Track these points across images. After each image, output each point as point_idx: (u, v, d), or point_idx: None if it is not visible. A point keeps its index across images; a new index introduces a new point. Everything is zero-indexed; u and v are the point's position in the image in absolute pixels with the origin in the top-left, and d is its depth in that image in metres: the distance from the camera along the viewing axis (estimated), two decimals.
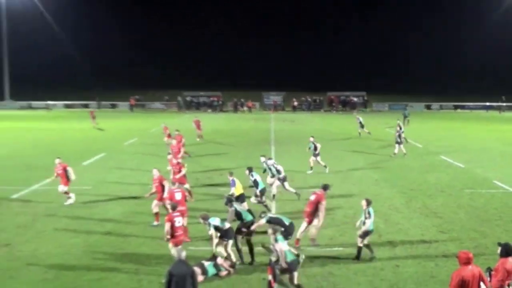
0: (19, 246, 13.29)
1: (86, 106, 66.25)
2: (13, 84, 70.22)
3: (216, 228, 11.60)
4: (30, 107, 66.62)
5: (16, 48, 74.82)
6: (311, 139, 23.83)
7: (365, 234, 12.65)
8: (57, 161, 17.71)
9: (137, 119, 52.70)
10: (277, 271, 9.74)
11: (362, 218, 12.71)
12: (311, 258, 12.51)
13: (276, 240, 10.34)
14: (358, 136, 36.53)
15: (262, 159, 18.85)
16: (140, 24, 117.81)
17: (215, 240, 11.86)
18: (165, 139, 30.01)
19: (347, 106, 66.24)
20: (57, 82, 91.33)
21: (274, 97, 67.56)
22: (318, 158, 23.41)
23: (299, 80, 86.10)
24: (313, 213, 13.30)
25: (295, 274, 9.95)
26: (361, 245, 12.68)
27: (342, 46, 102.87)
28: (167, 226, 11.53)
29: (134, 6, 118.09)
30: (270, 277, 9.81)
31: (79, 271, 11.64)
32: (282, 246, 10.17)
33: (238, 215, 12.39)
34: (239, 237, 12.24)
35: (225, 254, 11.58)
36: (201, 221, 12.05)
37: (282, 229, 11.51)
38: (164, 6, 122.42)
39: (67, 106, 67.19)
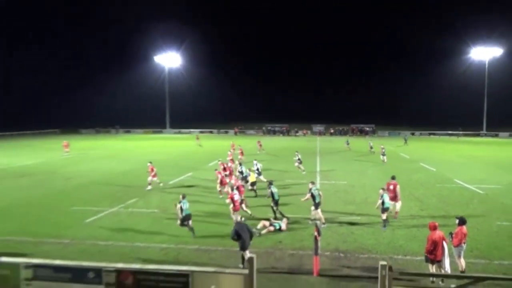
0: None
1: (211, 132, 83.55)
2: (171, 117, 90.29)
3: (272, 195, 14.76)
4: (180, 132, 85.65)
5: (171, 94, 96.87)
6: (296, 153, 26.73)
7: (384, 210, 14.02)
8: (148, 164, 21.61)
9: (241, 139, 62.07)
10: (320, 228, 11.25)
11: (380, 201, 14.09)
12: (341, 223, 14.58)
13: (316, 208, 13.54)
14: (369, 152, 39.74)
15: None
16: (242, 80, 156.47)
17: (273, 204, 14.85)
18: (230, 151, 32.00)
19: (362, 133, 75.90)
20: (195, 116, 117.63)
21: (319, 127, 78.92)
22: (300, 165, 25.77)
23: (334, 117, 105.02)
24: (395, 196, 14.90)
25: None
26: (384, 217, 14.11)
27: (357, 95, 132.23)
28: (229, 201, 14.20)
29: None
30: (315, 233, 10.82)
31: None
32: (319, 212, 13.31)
33: (272, 194, 15.02)
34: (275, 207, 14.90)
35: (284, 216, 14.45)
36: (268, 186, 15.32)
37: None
38: (249, 68, 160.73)
39: (201, 132, 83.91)
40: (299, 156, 26.87)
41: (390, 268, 7.75)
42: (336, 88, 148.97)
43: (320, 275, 10.66)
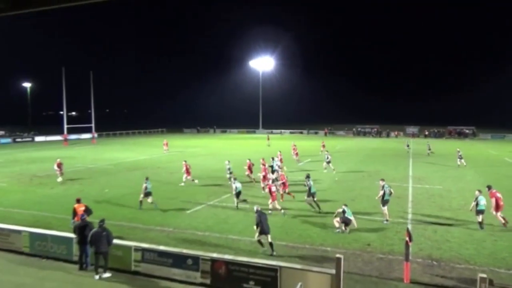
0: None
1: (301, 133, 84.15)
2: (264, 118, 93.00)
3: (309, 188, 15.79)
4: (272, 133, 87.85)
5: (265, 97, 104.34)
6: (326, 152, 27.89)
7: (478, 212, 13.55)
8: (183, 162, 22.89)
9: (330, 139, 63.33)
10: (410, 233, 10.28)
11: (473, 203, 13.89)
12: (436, 230, 13.72)
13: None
14: (428, 154, 38.15)
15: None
16: (334, 81, 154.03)
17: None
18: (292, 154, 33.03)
19: (461, 135, 70.75)
20: (291, 119, 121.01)
21: (412, 129, 75.70)
22: (330, 164, 26.37)
23: (429, 118, 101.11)
24: (498, 206, 13.91)
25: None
26: (479, 220, 13.53)
27: (456, 97, 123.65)
28: (267, 191, 16.92)
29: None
30: (407, 238, 10.11)
31: None
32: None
33: (309, 187, 15.93)
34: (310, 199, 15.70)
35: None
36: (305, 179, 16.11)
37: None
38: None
39: (291, 133, 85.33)
40: (329, 156, 27.49)
41: (491, 282, 7.17)
42: (432, 90, 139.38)
43: (411, 282, 10.06)
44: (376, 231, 13.76)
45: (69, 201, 18.34)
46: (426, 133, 73.15)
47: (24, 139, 66.52)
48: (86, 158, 39.34)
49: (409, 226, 12.05)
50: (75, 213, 13.52)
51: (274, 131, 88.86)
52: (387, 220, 14.79)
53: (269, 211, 15.82)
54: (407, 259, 10.10)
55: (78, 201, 14.17)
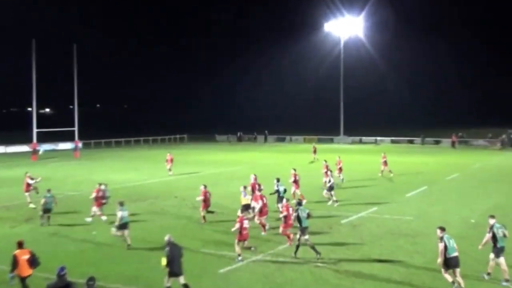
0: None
1: (411, 142, 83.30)
2: (347, 121, 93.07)
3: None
4: (360, 142, 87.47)
5: (350, 93, 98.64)
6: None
7: None
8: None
9: (459, 155, 63.15)
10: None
11: None
12: None
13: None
14: None
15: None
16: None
17: None
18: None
19: None
20: (386, 121, 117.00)
21: None
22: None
23: None
24: None
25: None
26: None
27: None
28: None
29: None
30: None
31: None
32: None
33: (298, 218, 18.80)
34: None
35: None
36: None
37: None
38: None
39: (393, 142, 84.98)
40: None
41: None
42: None
43: None
44: None
45: (35, 247, 19.47)
46: None
47: None
48: (66, 180, 41.23)
49: None
50: (15, 263, 14.27)
51: (365, 138, 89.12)
52: (487, 274, 16.60)
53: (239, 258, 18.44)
54: None
55: (20, 245, 14.73)
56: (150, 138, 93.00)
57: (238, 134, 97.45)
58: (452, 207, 28.98)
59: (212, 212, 24.59)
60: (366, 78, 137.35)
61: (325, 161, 35.17)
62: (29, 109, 66.69)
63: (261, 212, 22.54)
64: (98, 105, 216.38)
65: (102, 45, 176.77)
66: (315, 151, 56.73)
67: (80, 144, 70.51)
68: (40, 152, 64.07)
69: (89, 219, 25.08)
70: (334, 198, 29.33)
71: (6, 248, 19.93)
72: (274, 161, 56.46)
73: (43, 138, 70.57)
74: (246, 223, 18.41)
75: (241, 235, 18.20)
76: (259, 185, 24.60)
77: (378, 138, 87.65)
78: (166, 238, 14.72)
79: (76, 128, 66.37)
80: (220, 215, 25.65)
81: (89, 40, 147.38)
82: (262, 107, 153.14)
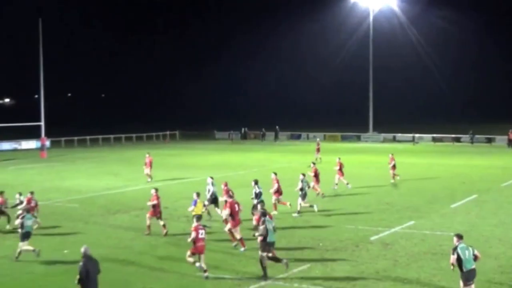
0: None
1: (457, 140, 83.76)
2: (376, 115, 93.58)
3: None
4: (394, 140, 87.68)
5: (380, 77, 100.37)
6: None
7: None
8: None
9: None
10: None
11: None
12: None
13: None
14: None
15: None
16: None
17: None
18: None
19: None
20: (424, 113, 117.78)
21: None
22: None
23: None
24: None
25: None
26: None
27: None
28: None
29: None
30: None
31: None
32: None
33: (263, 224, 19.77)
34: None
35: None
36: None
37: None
38: None
39: (435, 140, 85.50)
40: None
41: None
42: None
43: None
44: None
45: None
46: None
47: None
48: (31, 187, 41.20)
49: None
50: None
51: (399, 135, 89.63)
52: None
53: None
54: None
55: None
56: (134, 135, 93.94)
57: (243, 130, 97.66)
58: (508, 220, 28.85)
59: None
60: (401, 59, 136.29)
61: (313, 163, 37.53)
62: None
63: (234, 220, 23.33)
64: (69, 94, 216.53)
65: (73, 20, 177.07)
66: (318, 150, 58.29)
67: (47, 143, 70.87)
68: None
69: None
70: (298, 209, 30.51)
71: None
72: (287, 164, 56.45)
73: (2, 134, 70.85)
74: (201, 233, 19.30)
75: (195, 247, 19.18)
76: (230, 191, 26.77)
77: (416, 135, 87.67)
78: (82, 250, 15.10)
79: (42, 123, 66.80)
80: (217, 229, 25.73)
81: (59, 13, 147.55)
82: (273, 96, 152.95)
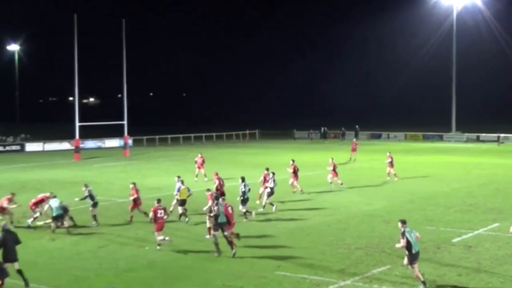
0: None
1: None
2: (459, 114, 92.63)
3: None
4: (478, 140, 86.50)
5: (463, 76, 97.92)
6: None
7: None
8: None
9: None
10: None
11: None
12: None
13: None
14: None
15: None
16: None
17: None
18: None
19: None
20: (510, 113, 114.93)
21: None
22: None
23: None
24: None
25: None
26: None
27: None
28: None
29: None
30: None
31: None
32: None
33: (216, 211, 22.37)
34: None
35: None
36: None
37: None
38: None
39: None
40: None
41: None
42: None
43: None
44: None
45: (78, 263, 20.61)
46: None
47: (7, 148, 75.06)
48: (114, 184, 42.51)
49: None
50: None
51: (483, 135, 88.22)
52: None
53: None
54: None
55: None
56: (214, 134, 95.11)
57: (322, 129, 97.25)
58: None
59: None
60: (486, 58, 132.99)
61: (293, 160, 39.14)
62: (70, 98, 69.05)
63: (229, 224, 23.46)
64: (151, 94, 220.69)
65: (155, 22, 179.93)
66: (354, 149, 58.59)
67: (130, 141, 72.42)
68: None
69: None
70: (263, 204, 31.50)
71: (46, 264, 20.95)
72: (368, 164, 56.74)
73: (87, 133, 72.74)
74: (160, 213, 23.53)
75: (157, 224, 23.33)
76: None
77: (502, 135, 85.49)
78: (2, 224, 19.20)
79: (125, 122, 68.28)
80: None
81: (141, 16, 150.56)
82: (352, 95, 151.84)
